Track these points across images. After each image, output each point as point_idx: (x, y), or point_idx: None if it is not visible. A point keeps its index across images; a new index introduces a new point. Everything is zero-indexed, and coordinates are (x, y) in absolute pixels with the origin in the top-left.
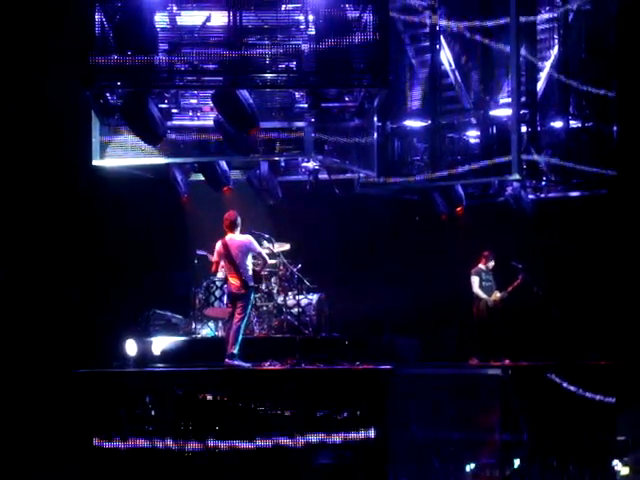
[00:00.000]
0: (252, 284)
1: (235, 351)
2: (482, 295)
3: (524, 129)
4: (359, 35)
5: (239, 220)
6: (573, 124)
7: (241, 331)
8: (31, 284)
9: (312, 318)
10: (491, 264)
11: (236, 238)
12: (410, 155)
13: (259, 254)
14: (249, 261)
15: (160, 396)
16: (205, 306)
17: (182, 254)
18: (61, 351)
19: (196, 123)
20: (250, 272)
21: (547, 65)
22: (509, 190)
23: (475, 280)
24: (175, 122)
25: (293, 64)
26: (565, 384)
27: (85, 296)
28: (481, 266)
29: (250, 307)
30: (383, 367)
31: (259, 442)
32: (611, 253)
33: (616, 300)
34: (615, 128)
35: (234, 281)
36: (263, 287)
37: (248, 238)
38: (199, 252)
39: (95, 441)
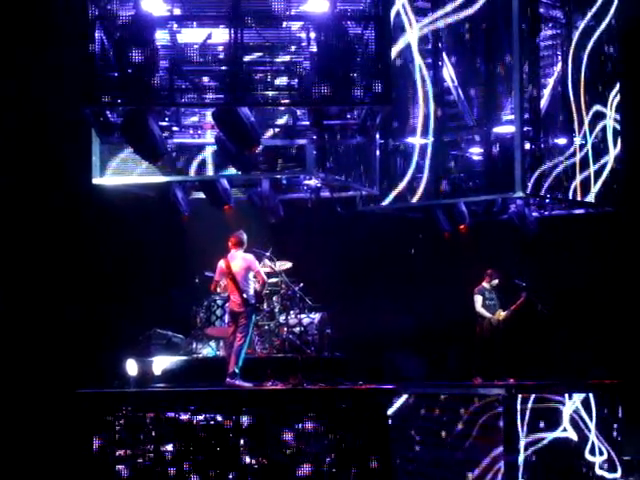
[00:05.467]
0: (253, 302)
1: (236, 370)
2: (485, 314)
3: (528, 146)
4: (361, 52)
5: (245, 239)
6: (577, 141)
7: (243, 350)
8: (31, 303)
9: (314, 337)
10: (495, 282)
11: (238, 256)
12: (413, 173)
13: (258, 273)
14: (250, 279)
15: (161, 416)
16: (206, 325)
17: (183, 273)
18: (61, 371)
19: (197, 141)
20: (252, 291)
21: (550, 82)
22: (513, 208)
23: (478, 299)
24: (176, 140)
25: (295, 81)
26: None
27: (85, 315)
28: (484, 285)
29: (252, 326)
30: (386, 387)
31: (262, 461)
32: (616, 271)
33: (622, 318)
34: (620, 145)
35: (235, 299)
36: (265, 306)
37: (249, 256)
38: (207, 274)
39: (96, 460)
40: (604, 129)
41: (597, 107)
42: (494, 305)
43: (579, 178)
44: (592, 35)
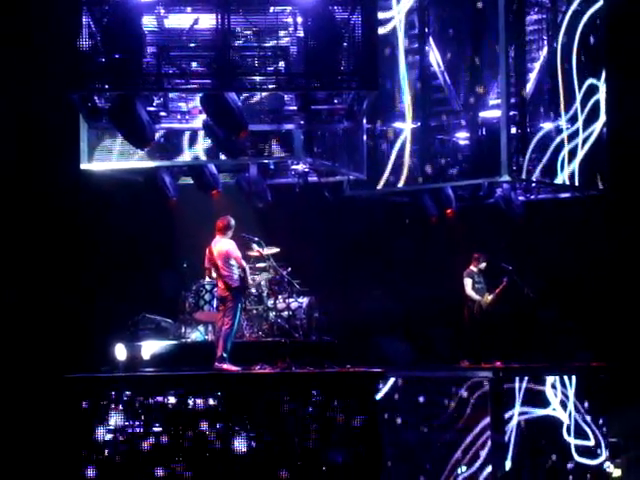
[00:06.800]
0: (236, 285)
1: (225, 355)
2: (475, 296)
3: (514, 130)
4: (348, 37)
5: (232, 224)
6: (563, 124)
7: (231, 335)
8: (18, 288)
9: (302, 321)
10: (482, 266)
11: (219, 242)
12: (399, 157)
13: (237, 259)
14: (233, 264)
15: (149, 400)
16: (195, 310)
17: (171, 257)
18: (50, 356)
19: (185, 126)
20: (235, 275)
21: (537, 66)
22: (499, 192)
23: (467, 282)
24: (163, 125)
25: (282, 66)
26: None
27: (74, 300)
28: (472, 268)
29: (238, 310)
30: (374, 370)
31: (250, 444)
32: (602, 254)
33: (609, 301)
34: (605, 128)
35: (220, 284)
36: (253, 290)
37: (229, 242)
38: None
39: (84, 444)
40: (594, 108)
41: (591, 80)
42: (482, 288)
43: (566, 161)
44: (578, 19)
